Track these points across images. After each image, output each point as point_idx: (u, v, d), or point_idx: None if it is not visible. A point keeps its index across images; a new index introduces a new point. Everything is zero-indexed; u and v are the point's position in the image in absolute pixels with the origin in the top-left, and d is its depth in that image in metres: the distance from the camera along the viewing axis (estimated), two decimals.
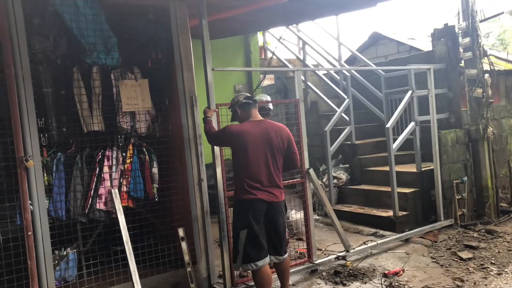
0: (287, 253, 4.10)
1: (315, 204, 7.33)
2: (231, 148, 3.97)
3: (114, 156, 4.28)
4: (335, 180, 7.46)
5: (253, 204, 3.81)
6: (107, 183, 4.19)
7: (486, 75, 6.72)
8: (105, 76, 4.40)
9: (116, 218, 4.03)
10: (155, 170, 4.50)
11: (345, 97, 7.82)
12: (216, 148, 4.41)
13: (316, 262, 4.94)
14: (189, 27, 4.60)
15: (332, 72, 8.96)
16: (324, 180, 7.67)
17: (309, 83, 8.64)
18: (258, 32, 9.51)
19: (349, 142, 7.74)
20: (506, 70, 9.41)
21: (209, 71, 4.45)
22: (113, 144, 4.33)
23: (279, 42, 9.16)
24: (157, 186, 4.51)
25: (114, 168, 4.26)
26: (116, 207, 4.04)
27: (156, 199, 4.52)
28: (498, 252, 5.20)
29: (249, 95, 4.18)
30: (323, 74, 9.09)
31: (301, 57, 9.23)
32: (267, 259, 3.86)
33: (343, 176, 7.55)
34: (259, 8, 5.45)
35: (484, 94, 6.67)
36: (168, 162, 4.58)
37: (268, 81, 12.16)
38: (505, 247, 5.33)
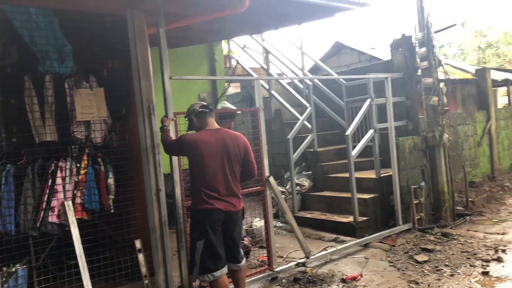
0: (244, 259, 4.09)
1: (279, 212, 7.37)
2: (188, 157, 3.94)
3: (67, 167, 4.19)
4: (298, 187, 7.52)
5: (210, 214, 3.78)
6: (60, 195, 4.09)
7: (442, 84, 6.95)
8: (59, 85, 4.33)
9: (70, 231, 3.93)
10: (111, 180, 4.43)
11: (308, 105, 7.92)
12: (174, 158, 4.38)
13: (276, 269, 4.95)
14: (147, 35, 4.56)
15: (295, 81, 9.07)
16: (287, 187, 7.73)
17: (273, 92, 8.73)
18: (223, 41, 9.54)
19: (312, 150, 7.84)
20: (462, 79, 9.78)
21: (166, 80, 4.41)
22: (66, 154, 4.24)
23: (243, 51, 9.23)
24: (113, 197, 4.44)
25: (67, 180, 4.16)
26: (70, 220, 3.94)
27: (112, 211, 4.44)
28: (452, 254, 5.35)
29: (205, 103, 4.16)
30: (287, 83, 9.18)
31: (265, 66, 9.31)
32: (224, 269, 3.84)
33: (306, 183, 7.62)
34: (221, 17, 5.46)
35: (440, 102, 6.88)
36: (125, 172, 4.51)
37: (234, 89, 12.21)
38: (459, 249, 5.50)
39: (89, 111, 4.38)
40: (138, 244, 4.33)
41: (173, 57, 7.46)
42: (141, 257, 4.28)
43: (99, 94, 4.47)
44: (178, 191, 4.36)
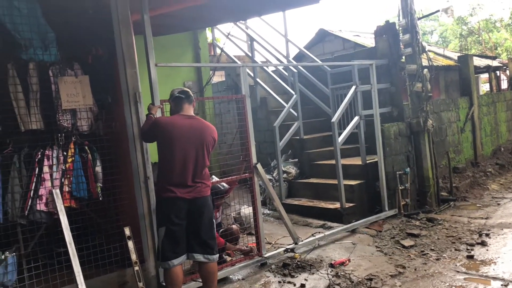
0: (216, 255, 4.00)
1: (266, 199, 7.42)
2: (158, 141, 3.93)
3: (54, 155, 4.14)
4: (285, 175, 7.57)
5: (173, 202, 3.79)
6: (48, 183, 4.05)
7: (425, 70, 7.03)
8: (43, 73, 4.25)
9: (59, 219, 3.90)
10: (98, 169, 4.40)
11: (293, 93, 7.94)
12: None
13: (265, 255, 5.00)
14: (131, 22, 4.49)
15: (280, 68, 9.07)
16: (274, 175, 7.78)
17: (258, 80, 8.72)
18: (207, 29, 9.47)
19: (298, 137, 7.88)
20: (445, 65, 9.90)
21: (152, 67, 4.39)
22: (53, 143, 4.19)
23: (227, 38, 9.19)
24: (101, 185, 4.41)
25: (54, 168, 4.12)
26: (58, 208, 3.91)
27: (101, 199, 4.42)
28: (438, 238, 5.47)
29: (185, 89, 4.12)
30: (272, 71, 9.19)
31: (250, 54, 9.29)
32: (181, 259, 3.84)
33: (293, 170, 7.68)
34: (204, 4, 5.41)
35: (424, 88, 6.97)
36: (112, 161, 4.48)
37: (219, 77, 12.17)
38: (444, 234, 5.62)
39: (74, 99, 4.32)
40: (127, 231, 4.31)
41: (157, 46, 7.29)
42: (130, 244, 4.26)
43: (84, 82, 4.42)
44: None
